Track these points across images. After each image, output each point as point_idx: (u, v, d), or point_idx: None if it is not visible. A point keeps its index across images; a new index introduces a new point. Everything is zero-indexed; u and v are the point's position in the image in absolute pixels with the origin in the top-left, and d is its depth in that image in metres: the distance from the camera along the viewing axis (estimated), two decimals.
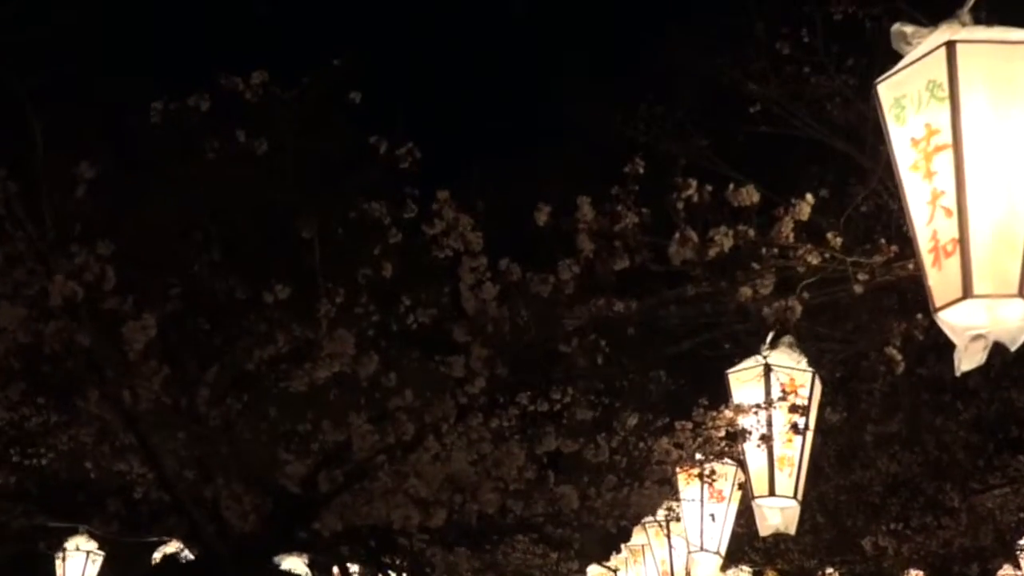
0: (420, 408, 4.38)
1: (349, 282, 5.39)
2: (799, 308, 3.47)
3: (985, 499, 11.56)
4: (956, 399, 11.51)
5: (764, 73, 6.88)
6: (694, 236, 3.57)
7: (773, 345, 6.24)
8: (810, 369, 6.03)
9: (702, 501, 7.45)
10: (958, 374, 3.09)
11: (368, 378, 4.36)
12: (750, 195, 3.57)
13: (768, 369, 5.93)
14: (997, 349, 3.09)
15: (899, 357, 3.28)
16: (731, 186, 3.66)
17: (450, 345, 4.54)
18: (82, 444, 4.54)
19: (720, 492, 8.25)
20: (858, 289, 3.69)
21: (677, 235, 3.59)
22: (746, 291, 3.58)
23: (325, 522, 4.20)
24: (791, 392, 5.78)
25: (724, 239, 3.61)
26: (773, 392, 5.85)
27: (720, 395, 6.25)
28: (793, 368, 5.99)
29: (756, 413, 5.74)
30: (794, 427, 5.61)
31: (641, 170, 3.89)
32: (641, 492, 4.87)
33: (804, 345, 6.33)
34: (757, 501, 5.92)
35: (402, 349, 4.85)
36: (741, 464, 8.44)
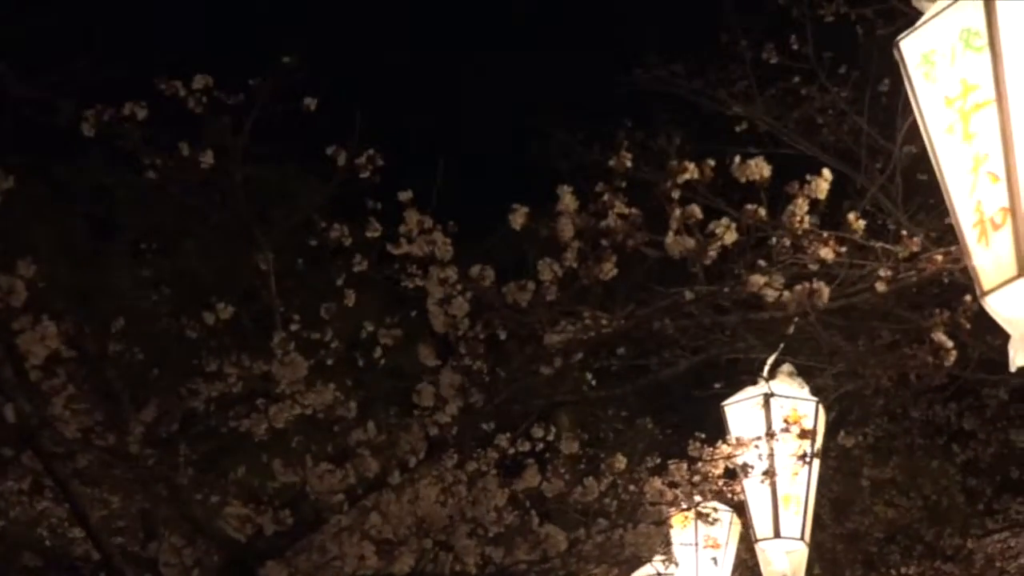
0: (385, 442, 3.82)
1: (310, 315, 4.88)
2: (826, 292, 2.95)
3: (986, 544, 11.04)
4: (951, 441, 11.08)
5: (749, 91, 6.41)
6: (697, 212, 3.05)
7: (772, 374, 5.73)
8: (813, 398, 5.50)
9: (696, 544, 6.86)
10: (1013, 369, 2.58)
11: (325, 408, 3.81)
12: (759, 168, 3.07)
13: (768, 399, 5.41)
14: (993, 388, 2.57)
15: (949, 344, 2.76)
16: (736, 159, 3.16)
17: (418, 371, 4.00)
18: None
19: (715, 540, 7.67)
20: (880, 288, 3.19)
21: (674, 219, 3.07)
22: (757, 279, 3.06)
23: (272, 572, 3.61)
24: (794, 423, 5.25)
25: (726, 232, 3.10)
26: (775, 423, 5.32)
27: (716, 430, 5.72)
28: (795, 397, 5.47)
29: (757, 447, 5.19)
30: (802, 457, 5.06)
31: (628, 163, 3.39)
32: (636, 533, 4.28)
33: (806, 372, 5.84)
34: (761, 544, 5.35)
35: (365, 379, 4.32)
36: (739, 507, 7.92)
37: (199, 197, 5.06)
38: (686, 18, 7.36)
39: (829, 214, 4.61)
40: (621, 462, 4.97)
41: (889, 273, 3.16)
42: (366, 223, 4.45)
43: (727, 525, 7.70)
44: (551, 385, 4.00)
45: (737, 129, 6.16)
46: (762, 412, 5.38)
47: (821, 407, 5.51)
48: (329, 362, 4.44)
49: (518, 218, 3.59)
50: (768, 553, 5.32)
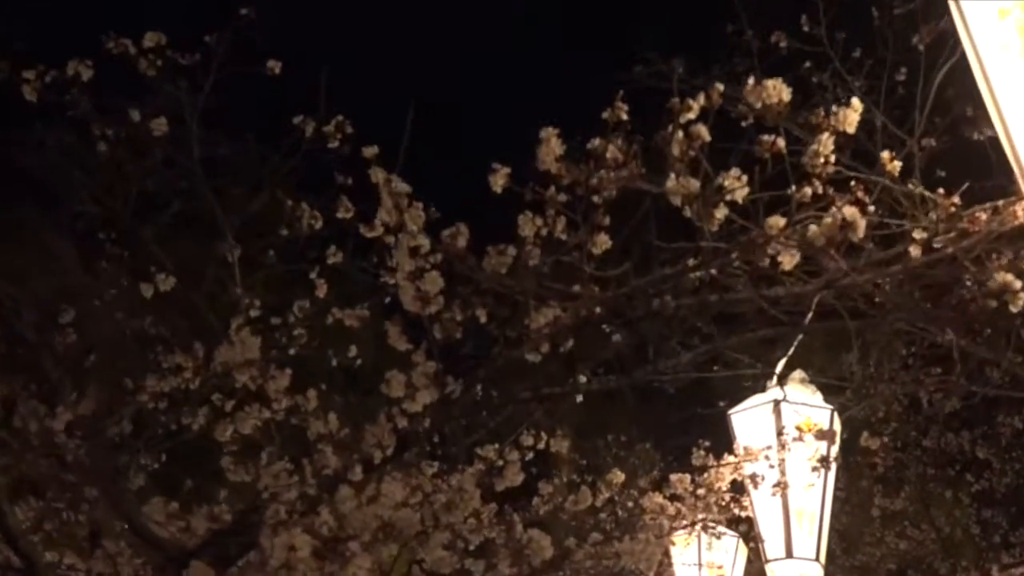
0: (348, 437, 3.34)
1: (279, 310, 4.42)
2: (861, 224, 2.46)
3: None
4: (965, 471, 10.61)
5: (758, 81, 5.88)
6: (704, 133, 2.57)
7: (782, 381, 5.25)
8: (828, 406, 5.02)
9: (700, 564, 6.34)
10: None
11: (279, 394, 3.33)
12: (778, 91, 2.60)
13: (779, 405, 4.92)
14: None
15: (1017, 285, 2.29)
16: (750, 80, 2.69)
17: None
18: None
19: (719, 567, 7.14)
20: (915, 252, 2.71)
21: (675, 148, 2.59)
22: (776, 221, 2.58)
23: (195, 573, 3.09)
24: (808, 431, 4.75)
25: (736, 186, 2.63)
26: (787, 432, 4.82)
27: (721, 445, 5.23)
28: (809, 404, 4.98)
29: (767, 457, 4.70)
30: (822, 461, 4.55)
31: (625, 116, 2.93)
32: (633, 544, 3.75)
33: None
34: (772, 566, 4.84)
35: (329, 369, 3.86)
36: (746, 530, 7.42)
37: (157, 179, 4.63)
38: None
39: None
40: (619, 477, 4.48)
41: (924, 235, 2.70)
42: (336, 201, 4.00)
43: (732, 551, 7.20)
44: (538, 375, 3.52)
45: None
46: (772, 419, 4.90)
47: (836, 416, 5.02)
48: (291, 351, 3.98)
49: (498, 179, 3.13)
50: (779, 574, 4.80)
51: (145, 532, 3.12)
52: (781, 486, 4.55)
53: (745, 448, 4.75)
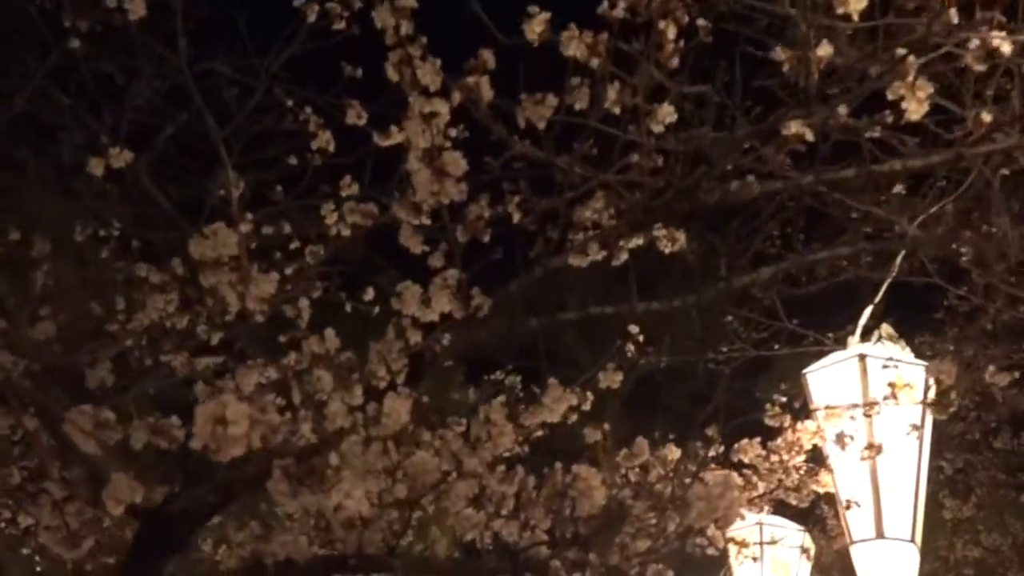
0: (350, 362, 2.64)
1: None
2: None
3: None
4: None
5: None
6: None
7: (864, 337, 4.50)
8: (921, 363, 4.24)
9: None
10: None
11: (264, 304, 2.64)
12: None
13: (865, 360, 4.16)
14: None
15: None
16: None
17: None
18: None
19: (785, 567, 6.37)
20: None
21: None
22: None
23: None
24: (901, 388, 3.99)
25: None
26: (874, 391, 4.07)
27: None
28: (900, 360, 4.21)
29: (853, 418, 3.95)
30: (916, 425, 3.78)
31: None
32: (708, 487, 2.93)
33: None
34: (858, 548, 4.07)
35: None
36: (811, 519, 6.68)
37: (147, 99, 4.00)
38: None
39: None
40: (674, 452, 3.74)
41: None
42: (344, 107, 3.34)
43: (798, 549, 6.43)
44: (585, 291, 2.81)
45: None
46: (857, 377, 4.14)
47: (932, 377, 4.23)
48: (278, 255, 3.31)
49: (535, 27, 2.44)
50: (868, 559, 4.03)
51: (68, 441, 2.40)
52: (874, 449, 3.78)
53: (827, 407, 3.99)
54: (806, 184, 2.54)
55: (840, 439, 3.69)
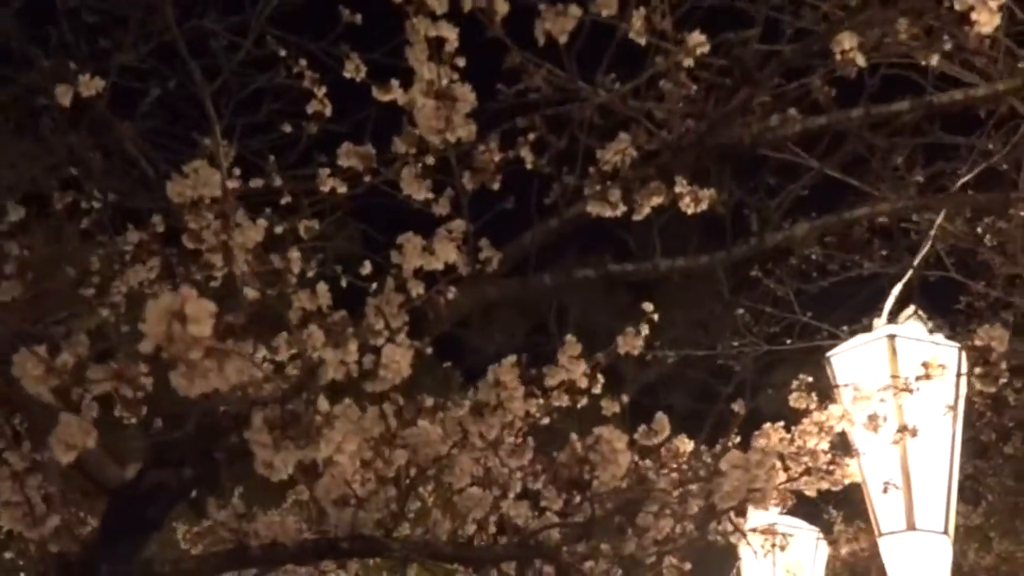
0: (344, 320, 2.36)
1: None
2: None
3: None
4: None
5: None
6: None
7: (892, 319, 4.22)
8: (954, 344, 3.97)
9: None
10: None
11: (249, 256, 2.36)
12: None
13: (894, 341, 3.89)
14: None
15: None
16: None
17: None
18: None
19: (797, 567, 6.07)
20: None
21: None
22: None
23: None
24: (936, 368, 3.71)
25: None
26: (905, 372, 3.79)
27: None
28: (931, 342, 3.94)
29: (883, 400, 3.67)
30: (949, 407, 3.50)
31: None
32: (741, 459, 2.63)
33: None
34: (887, 540, 3.78)
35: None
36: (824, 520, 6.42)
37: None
38: None
39: None
40: (686, 444, 3.45)
41: None
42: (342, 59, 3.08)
43: (812, 549, 6.16)
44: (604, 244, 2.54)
45: None
46: (886, 358, 3.86)
47: (965, 356, 3.96)
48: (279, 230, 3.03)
49: None
50: (898, 552, 3.74)
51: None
52: (908, 431, 3.50)
53: (854, 388, 3.70)
54: (855, 119, 2.27)
55: (872, 420, 3.41)
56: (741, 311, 6.33)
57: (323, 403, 1.64)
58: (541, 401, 2.61)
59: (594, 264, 2.59)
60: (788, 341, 6.51)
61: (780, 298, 6.47)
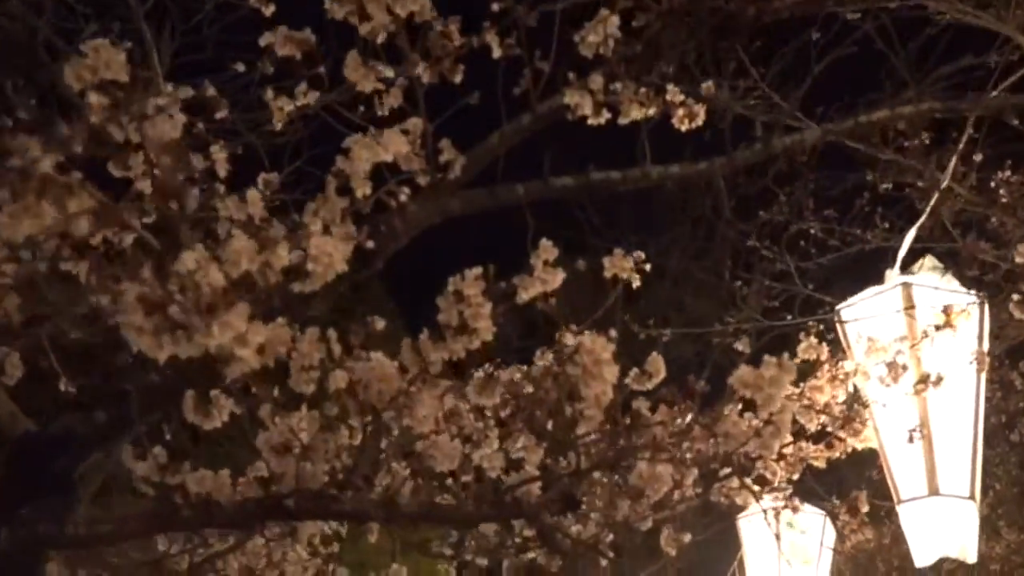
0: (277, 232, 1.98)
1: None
2: None
3: None
4: None
5: None
6: None
7: (904, 270, 3.84)
8: (975, 295, 3.60)
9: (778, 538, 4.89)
10: None
11: (168, 157, 1.97)
12: None
13: (910, 290, 3.52)
14: None
15: None
16: None
17: None
18: None
19: (804, 551, 5.69)
20: None
21: None
22: None
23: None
24: (959, 315, 3.35)
25: None
26: (922, 323, 3.42)
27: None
28: (949, 290, 3.57)
29: (901, 352, 3.30)
30: (974, 361, 3.13)
31: None
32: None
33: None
34: (908, 507, 3.40)
35: None
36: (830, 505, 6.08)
37: None
38: None
39: None
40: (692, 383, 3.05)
41: None
42: None
43: (819, 530, 5.78)
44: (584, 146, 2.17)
45: None
46: (902, 309, 3.49)
47: (988, 309, 3.59)
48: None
49: None
50: (919, 520, 3.36)
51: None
52: (931, 381, 3.12)
53: (869, 339, 3.33)
54: None
55: (892, 369, 3.03)
56: (739, 283, 5.95)
57: (214, 274, 1.26)
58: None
59: (574, 172, 2.22)
60: (788, 316, 6.13)
61: (780, 273, 6.11)
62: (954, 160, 4.47)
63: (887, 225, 6.65)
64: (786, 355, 1.76)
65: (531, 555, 3.06)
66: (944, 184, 5.02)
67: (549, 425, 2.29)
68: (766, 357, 1.76)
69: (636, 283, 2.19)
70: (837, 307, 3.69)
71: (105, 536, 2.19)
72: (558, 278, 1.91)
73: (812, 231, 6.78)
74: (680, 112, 2.40)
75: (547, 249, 1.89)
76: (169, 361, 2.17)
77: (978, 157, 5.60)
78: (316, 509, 2.32)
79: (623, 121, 2.27)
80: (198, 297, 1.24)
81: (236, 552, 3.66)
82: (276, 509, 2.29)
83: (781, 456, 3.59)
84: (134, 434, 2.13)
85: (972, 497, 3.36)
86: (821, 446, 3.58)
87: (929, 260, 3.74)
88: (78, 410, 2.12)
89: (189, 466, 2.21)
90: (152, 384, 2.15)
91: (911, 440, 3.08)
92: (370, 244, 1.90)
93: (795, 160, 6.06)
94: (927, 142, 5.76)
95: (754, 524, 5.52)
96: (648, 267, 2.38)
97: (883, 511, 8.91)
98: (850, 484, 6.50)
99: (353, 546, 4.35)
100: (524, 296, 1.93)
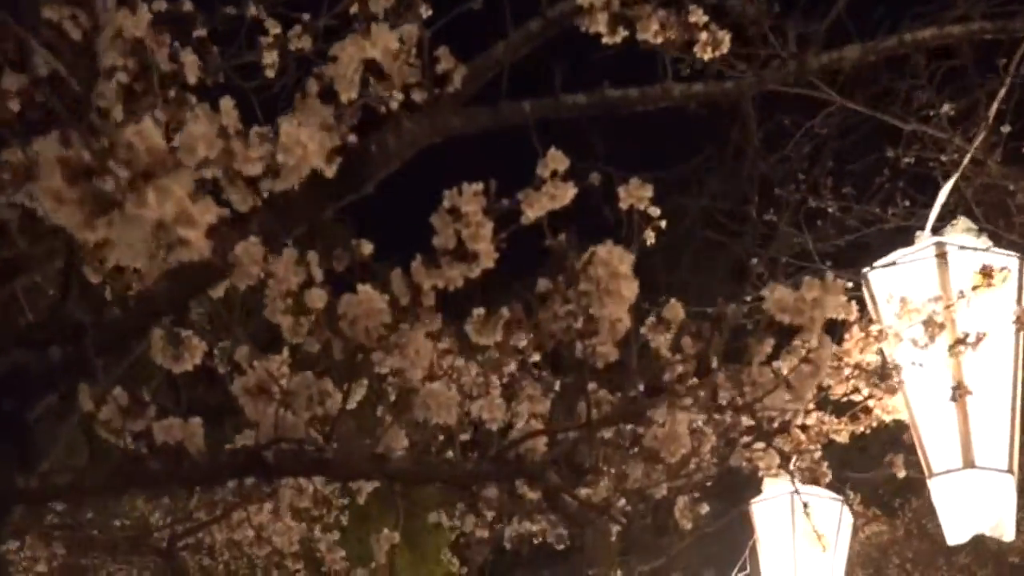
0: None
1: None
2: None
3: None
4: None
5: None
6: None
7: (936, 231, 3.60)
8: (1015, 254, 3.35)
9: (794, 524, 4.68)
10: None
11: (127, 56, 1.75)
12: None
13: (945, 251, 3.28)
14: None
15: None
16: None
17: None
18: None
19: (820, 537, 5.45)
20: None
21: None
22: None
23: None
24: (998, 273, 3.11)
25: None
26: (956, 285, 3.18)
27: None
28: (985, 250, 3.33)
29: (935, 313, 3.06)
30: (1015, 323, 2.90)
31: None
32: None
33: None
34: (941, 480, 3.16)
35: None
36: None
37: None
38: None
39: None
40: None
41: None
42: None
43: (838, 516, 5.53)
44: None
45: None
46: (934, 271, 3.25)
47: None
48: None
49: None
50: (953, 494, 3.12)
51: None
52: (970, 342, 2.88)
53: (902, 300, 3.09)
54: None
55: (930, 326, 2.78)
56: (755, 260, 5.70)
57: (154, 136, 1.02)
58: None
59: (588, 89, 1.99)
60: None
61: (800, 251, 5.88)
62: (983, 130, 4.25)
63: (908, 203, 6.40)
64: (829, 275, 1.52)
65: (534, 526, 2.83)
66: (970, 154, 4.78)
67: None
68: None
69: (656, 214, 1.93)
70: (863, 270, 3.45)
71: (62, 489, 1.96)
72: (569, 192, 1.67)
73: (830, 210, 6.55)
74: (703, 37, 2.17)
75: (556, 158, 1.65)
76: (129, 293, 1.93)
77: (1006, 128, 5.36)
78: (297, 465, 2.08)
79: (641, 36, 2.03)
80: (132, 160, 1.01)
81: (221, 524, 3.44)
82: (253, 462, 2.05)
83: (803, 427, 3.37)
84: (95, 375, 1.89)
85: (1010, 470, 3.11)
86: (845, 418, 3.35)
87: (963, 221, 3.50)
88: (31, 347, 1.89)
89: (155, 411, 1.97)
90: (112, 318, 1.92)
91: (954, 398, 2.83)
92: (352, 138, 1.66)
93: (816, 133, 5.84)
94: (951, 113, 5.52)
95: (768, 509, 5.28)
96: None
97: (897, 502, 8.69)
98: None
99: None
100: (530, 214, 1.68)
